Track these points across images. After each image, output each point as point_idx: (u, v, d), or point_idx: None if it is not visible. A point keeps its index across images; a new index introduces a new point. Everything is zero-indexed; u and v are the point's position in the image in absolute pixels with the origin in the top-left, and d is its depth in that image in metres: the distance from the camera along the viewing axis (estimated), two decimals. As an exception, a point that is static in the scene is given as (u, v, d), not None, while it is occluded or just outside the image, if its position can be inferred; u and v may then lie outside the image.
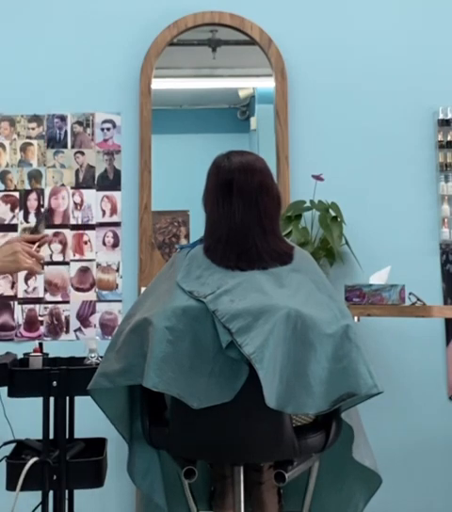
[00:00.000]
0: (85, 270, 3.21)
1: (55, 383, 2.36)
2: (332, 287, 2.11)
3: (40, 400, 2.10)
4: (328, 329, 1.92)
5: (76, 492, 2.56)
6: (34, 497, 2.53)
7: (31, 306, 3.19)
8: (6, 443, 2.65)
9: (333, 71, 3.29)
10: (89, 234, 3.22)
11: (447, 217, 3.23)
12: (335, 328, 1.93)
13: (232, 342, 1.86)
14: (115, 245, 3.22)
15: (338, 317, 1.97)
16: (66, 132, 3.26)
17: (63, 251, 3.21)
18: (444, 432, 3.09)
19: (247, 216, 2.05)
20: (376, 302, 2.76)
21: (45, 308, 3.19)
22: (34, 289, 3.19)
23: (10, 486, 2.47)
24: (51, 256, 3.18)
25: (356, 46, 3.31)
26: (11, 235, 3.18)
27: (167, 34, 3.29)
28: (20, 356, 2.61)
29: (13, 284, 3.19)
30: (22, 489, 2.44)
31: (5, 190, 3.25)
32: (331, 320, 1.95)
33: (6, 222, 3.23)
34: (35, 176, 3.25)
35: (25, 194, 3.24)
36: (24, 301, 3.16)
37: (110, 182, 3.24)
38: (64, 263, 3.21)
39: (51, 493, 2.43)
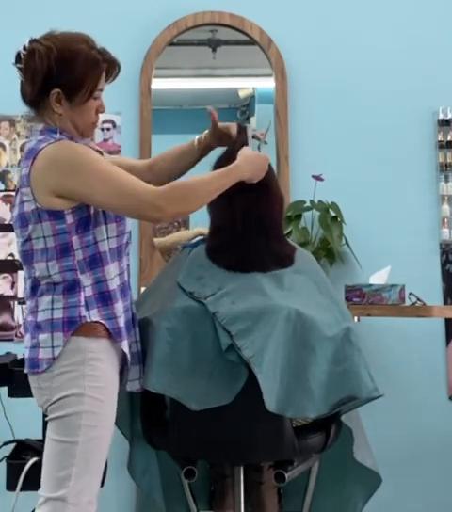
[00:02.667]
0: (85, 270, 3.20)
1: (55, 383, 2.35)
2: (334, 289, 2.11)
3: (40, 400, 2.10)
4: (328, 332, 1.91)
5: (76, 492, 2.56)
6: (34, 497, 2.54)
7: (31, 306, 3.18)
8: (6, 443, 2.66)
9: (333, 71, 3.29)
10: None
11: (447, 217, 3.23)
12: (336, 330, 1.93)
13: (232, 344, 1.85)
14: (115, 245, 3.21)
15: (339, 320, 1.96)
16: (66, 132, 3.25)
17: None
18: (444, 432, 3.09)
19: (249, 217, 2.05)
20: (376, 302, 2.76)
21: (45, 308, 3.18)
22: (34, 289, 3.18)
23: (10, 486, 2.47)
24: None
25: (356, 46, 3.30)
26: (11, 235, 3.19)
27: (167, 34, 3.28)
28: (20, 356, 2.60)
29: (13, 284, 3.19)
30: (22, 489, 2.44)
31: (5, 190, 3.26)
32: (332, 323, 1.95)
33: (6, 222, 3.23)
34: (35, 176, 3.24)
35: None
36: (24, 301, 3.14)
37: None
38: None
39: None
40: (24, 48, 1.83)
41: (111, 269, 1.82)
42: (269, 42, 3.27)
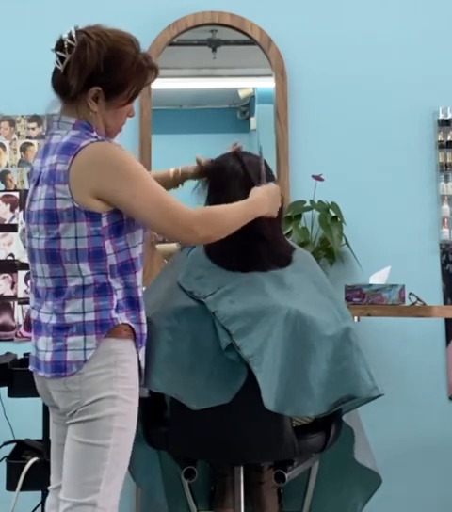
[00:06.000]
0: (85, 270, 3.20)
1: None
2: (333, 288, 2.11)
3: (39, 400, 2.11)
4: (327, 331, 1.92)
5: (76, 492, 2.55)
6: (34, 497, 2.54)
7: (31, 306, 3.18)
8: (6, 443, 2.66)
9: (333, 71, 3.29)
10: (89, 234, 3.21)
11: (447, 217, 3.23)
12: (335, 329, 1.93)
13: (231, 343, 1.86)
14: (115, 245, 3.21)
15: (338, 319, 1.97)
16: (66, 132, 3.25)
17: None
18: (444, 432, 3.09)
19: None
20: (376, 302, 2.76)
21: (45, 308, 3.18)
22: (34, 289, 3.18)
23: (10, 486, 2.48)
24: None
25: (356, 46, 3.30)
26: (11, 235, 3.19)
27: (167, 34, 3.28)
28: (20, 356, 2.61)
29: (13, 284, 3.19)
30: (22, 489, 2.44)
31: (5, 190, 3.25)
32: (332, 322, 1.95)
33: (6, 222, 3.23)
34: (35, 176, 3.24)
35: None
36: (24, 301, 3.15)
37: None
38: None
39: (51, 493, 2.42)
40: (71, 37, 1.76)
41: (140, 275, 1.81)
42: (269, 42, 3.27)
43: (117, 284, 1.75)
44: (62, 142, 1.75)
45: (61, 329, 1.73)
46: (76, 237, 1.72)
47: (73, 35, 1.76)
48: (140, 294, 1.80)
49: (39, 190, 1.78)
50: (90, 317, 1.72)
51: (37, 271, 1.80)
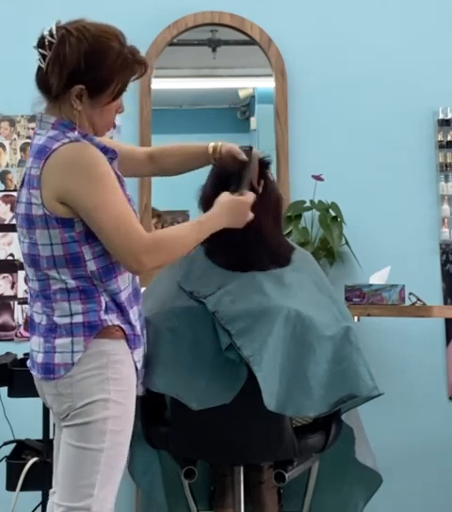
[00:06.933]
0: (85, 270, 3.20)
1: (55, 383, 2.35)
2: (333, 288, 2.11)
3: (39, 400, 2.11)
4: (327, 331, 1.92)
5: (76, 492, 2.55)
6: (34, 497, 2.54)
7: (31, 306, 3.18)
8: (6, 443, 2.66)
9: (333, 71, 3.29)
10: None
11: (447, 217, 3.23)
12: (335, 329, 1.93)
13: (231, 344, 1.85)
14: (115, 245, 3.20)
15: (338, 319, 1.97)
16: (66, 132, 3.24)
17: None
18: (445, 432, 3.09)
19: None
20: (376, 302, 2.76)
21: (45, 308, 3.18)
22: (34, 289, 3.18)
23: (10, 486, 2.48)
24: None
25: (356, 46, 3.30)
26: (11, 235, 3.19)
27: (167, 34, 3.28)
28: (20, 356, 2.61)
29: (13, 284, 3.19)
30: (22, 489, 2.45)
31: (5, 190, 3.25)
32: (331, 322, 1.95)
33: (6, 222, 3.23)
34: (35, 176, 3.24)
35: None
36: (23, 301, 3.15)
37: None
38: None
39: (51, 493, 2.42)
40: (51, 34, 1.69)
41: (125, 278, 1.75)
42: (269, 42, 3.27)
43: (101, 287, 1.71)
44: (38, 145, 1.70)
45: (51, 331, 1.71)
46: (52, 244, 1.68)
47: (54, 31, 1.69)
48: (126, 296, 1.75)
49: (22, 192, 1.75)
50: (78, 319, 1.68)
51: (27, 272, 1.79)
